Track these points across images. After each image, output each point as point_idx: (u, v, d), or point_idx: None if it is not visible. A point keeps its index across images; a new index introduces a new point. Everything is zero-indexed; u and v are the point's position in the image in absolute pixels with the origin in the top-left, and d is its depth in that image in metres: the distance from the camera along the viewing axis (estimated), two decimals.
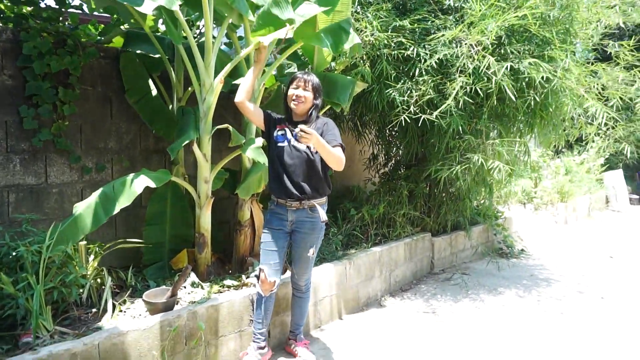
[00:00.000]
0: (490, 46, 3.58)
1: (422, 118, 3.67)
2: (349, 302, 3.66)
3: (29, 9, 3.14)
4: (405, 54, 3.75)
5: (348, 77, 3.60)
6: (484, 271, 4.97)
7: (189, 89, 3.53)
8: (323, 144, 2.39)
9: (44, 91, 2.92)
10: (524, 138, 4.38)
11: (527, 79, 3.66)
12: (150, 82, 3.45)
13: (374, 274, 3.96)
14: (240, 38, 3.81)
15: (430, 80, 3.69)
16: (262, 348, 2.69)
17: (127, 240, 3.07)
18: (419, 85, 3.74)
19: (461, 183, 4.24)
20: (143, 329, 2.28)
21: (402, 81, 3.81)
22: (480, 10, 3.61)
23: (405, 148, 4.72)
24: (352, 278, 3.69)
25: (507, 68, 3.49)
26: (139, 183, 2.51)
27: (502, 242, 5.86)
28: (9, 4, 3.19)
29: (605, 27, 4.40)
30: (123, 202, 2.44)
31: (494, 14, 3.62)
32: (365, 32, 3.77)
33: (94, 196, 2.49)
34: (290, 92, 2.60)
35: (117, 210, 2.42)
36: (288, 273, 3.08)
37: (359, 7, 4.02)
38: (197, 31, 4.33)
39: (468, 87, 3.58)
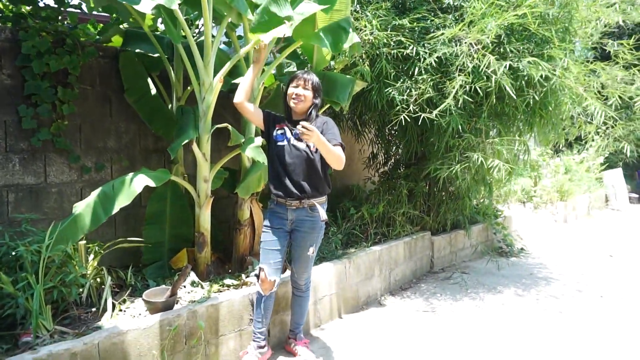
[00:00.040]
0: (490, 45, 3.58)
1: (421, 117, 3.67)
2: (348, 301, 3.66)
3: (27, 8, 3.13)
4: (405, 53, 3.74)
5: (347, 76, 3.60)
6: (484, 270, 4.97)
7: (188, 88, 3.53)
8: (324, 141, 2.39)
9: (43, 90, 2.92)
10: (523, 137, 4.38)
11: (526, 78, 3.66)
12: (150, 81, 3.44)
13: (374, 273, 3.97)
14: (239, 37, 3.81)
15: (429, 79, 3.69)
16: (262, 347, 2.69)
17: (127, 239, 3.07)
18: (419, 84, 3.74)
19: (460, 182, 4.24)
20: (143, 328, 2.28)
21: (401, 80, 3.81)
22: (481, 9, 3.61)
23: (404, 147, 4.73)
24: (351, 277, 3.69)
25: (506, 67, 3.49)
26: (138, 182, 2.51)
27: (501, 241, 5.87)
28: (7, 3, 3.19)
29: (605, 26, 4.40)
30: (122, 201, 2.43)
31: (493, 13, 3.62)
32: (365, 31, 3.76)
33: (94, 195, 2.49)
34: (290, 90, 2.60)
35: (116, 209, 2.42)
36: (288, 272, 3.08)
37: (358, 6, 4.02)
38: (196, 30, 4.32)
39: (467, 86, 3.58)
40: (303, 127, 2.28)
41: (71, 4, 3.45)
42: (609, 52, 4.36)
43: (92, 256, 2.81)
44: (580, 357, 2.90)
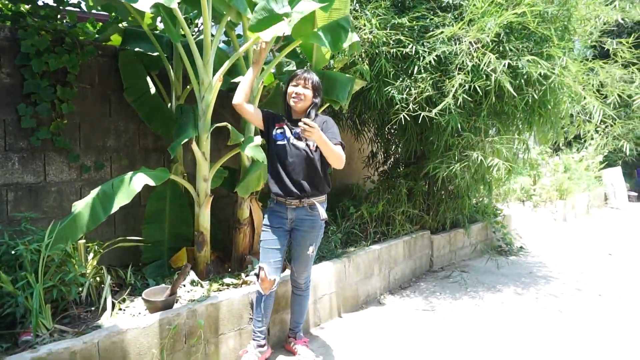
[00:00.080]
0: (490, 43, 3.57)
1: (421, 116, 3.67)
2: (348, 300, 3.67)
3: (26, 6, 3.12)
4: (404, 52, 3.74)
5: (347, 75, 3.60)
6: (483, 269, 4.98)
7: (188, 87, 3.52)
8: (325, 139, 2.39)
9: (42, 89, 2.92)
10: (522, 135, 4.38)
11: (525, 77, 3.66)
12: (149, 80, 3.44)
13: (373, 272, 3.97)
14: (239, 36, 3.80)
15: (429, 78, 3.69)
16: (262, 346, 2.69)
17: (127, 238, 3.07)
18: (418, 82, 3.74)
19: (460, 181, 4.24)
20: (142, 327, 2.28)
21: (400, 79, 3.80)
22: (481, 8, 3.61)
23: (404, 146, 4.73)
24: (351, 276, 3.69)
25: (505, 65, 3.49)
26: (138, 181, 2.51)
27: (501, 240, 5.87)
28: (6, 1, 3.18)
29: (604, 24, 4.39)
30: (122, 200, 2.43)
31: (493, 12, 3.61)
32: (364, 29, 3.76)
33: (93, 194, 2.48)
34: (290, 89, 2.60)
35: (116, 208, 2.42)
36: (287, 271, 3.08)
37: (357, 4, 4.02)
38: (196, 29, 4.32)
39: (467, 85, 3.58)
40: (305, 123, 2.28)
41: (70, 2, 3.44)
42: (608, 50, 4.35)
43: (91, 255, 2.81)
44: (579, 356, 2.90)
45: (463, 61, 3.57)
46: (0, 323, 2.21)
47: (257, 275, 2.64)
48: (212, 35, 2.98)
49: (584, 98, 3.80)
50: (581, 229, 7.66)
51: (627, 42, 4.19)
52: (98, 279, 2.74)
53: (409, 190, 4.75)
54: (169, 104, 3.54)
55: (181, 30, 3.09)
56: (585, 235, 7.15)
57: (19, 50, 2.84)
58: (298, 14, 2.68)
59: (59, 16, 3.21)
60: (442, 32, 3.66)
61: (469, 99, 3.64)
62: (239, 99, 2.64)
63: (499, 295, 4.08)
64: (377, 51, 3.79)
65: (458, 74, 3.60)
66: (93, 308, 2.57)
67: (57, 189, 3.11)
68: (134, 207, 3.25)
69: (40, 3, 3.19)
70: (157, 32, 3.84)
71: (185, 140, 2.83)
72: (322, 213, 2.61)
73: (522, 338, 3.16)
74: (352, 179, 5.58)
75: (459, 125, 3.72)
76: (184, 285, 2.86)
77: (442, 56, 3.68)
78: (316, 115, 2.64)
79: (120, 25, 3.64)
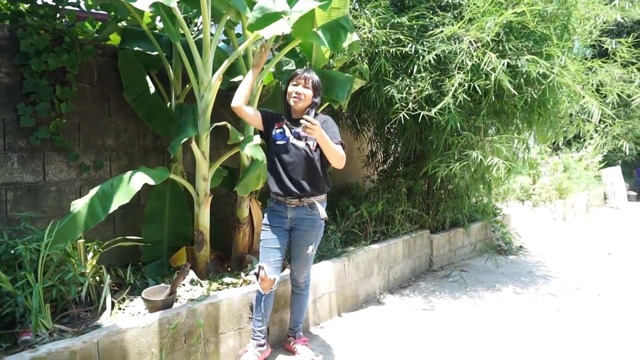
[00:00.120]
0: (490, 42, 3.57)
1: (420, 115, 3.67)
2: (347, 300, 3.67)
3: (25, 6, 3.12)
4: (404, 51, 3.74)
5: (346, 75, 3.60)
6: (483, 268, 4.98)
7: (187, 86, 3.52)
8: (326, 137, 2.39)
9: (41, 89, 2.91)
10: (522, 134, 4.39)
11: (525, 76, 3.66)
12: (148, 79, 3.44)
13: (373, 271, 3.97)
14: (238, 35, 3.80)
15: (428, 77, 3.69)
16: (262, 345, 2.69)
17: (126, 238, 3.07)
18: (417, 82, 3.74)
19: (459, 180, 4.24)
20: (142, 326, 2.28)
21: (400, 78, 3.80)
22: (482, 6, 3.60)
23: (403, 145, 4.73)
24: (351, 275, 3.69)
25: (504, 65, 3.49)
26: (137, 180, 2.51)
27: (500, 239, 5.88)
28: (5, 1, 3.18)
29: (604, 23, 4.39)
30: (121, 199, 2.43)
31: (493, 11, 3.61)
32: (364, 29, 3.76)
33: (92, 193, 2.48)
34: (290, 89, 2.59)
35: (115, 207, 2.41)
36: (287, 270, 3.08)
37: (357, 4, 4.01)
38: (195, 28, 4.31)
39: (466, 84, 3.58)
40: (306, 120, 2.28)
41: (69, 1, 3.43)
42: (607, 49, 4.35)
43: (91, 254, 2.80)
44: (578, 355, 2.90)
45: (463, 60, 3.57)
46: (0, 323, 2.21)
47: (257, 275, 2.64)
48: (212, 35, 2.97)
49: (583, 97, 3.80)
50: (580, 229, 7.67)
51: (627, 42, 4.19)
52: (97, 278, 2.74)
53: (408, 189, 4.76)
54: (169, 103, 3.54)
55: (180, 29, 3.09)
56: (585, 234, 7.16)
57: (18, 50, 2.84)
58: (297, 12, 2.68)
59: (58, 15, 3.21)
60: (441, 31, 3.66)
61: (468, 98, 3.63)
62: (238, 101, 2.63)
63: (498, 295, 4.09)
64: (376, 50, 3.79)
65: (458, 73, 3.60)
66: (92, 307, 2.57)
67: (56, 188, 3.11)
68: (133, 206, 3.25)
69: (39, 2, 3.18)
70: (157, 31, 3.83)
71: (185, 139, 2.83)
72: (322, 212, 2.61)
73: (521, 337, 3.16)
74: (352, 178, 5.58)
75: (459, 125, 3.72)
76: (184, 285, 2.86)
77: (441, 55, 3.68)
78: (316, 114, 2.64)
79: (119, 24, 3.64)
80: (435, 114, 3.60)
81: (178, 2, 2.65)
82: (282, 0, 2.67)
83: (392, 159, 5.30)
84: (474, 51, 3.58)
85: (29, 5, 3.11)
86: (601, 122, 4.30)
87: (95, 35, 3.75)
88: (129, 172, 2.57)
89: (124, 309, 2.61)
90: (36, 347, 1.98)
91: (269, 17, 2.65)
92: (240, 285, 2.97)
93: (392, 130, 4.94)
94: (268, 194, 2.73)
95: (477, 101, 3.86)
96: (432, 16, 3.85)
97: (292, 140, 2.59)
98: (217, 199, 3.27)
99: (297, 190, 2.57)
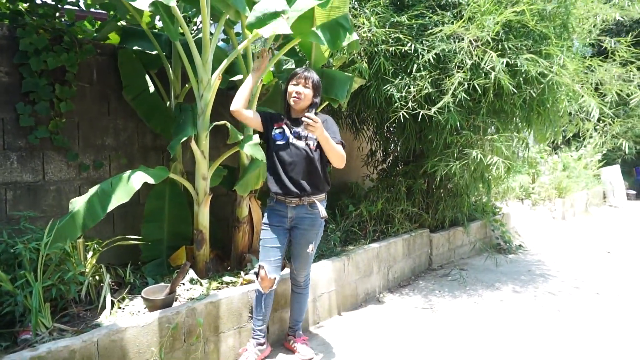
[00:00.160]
0: (491, 42, 3.57)
1: (420, 114, 3.67)
2: (347, 299, 3.67)
3: (25, 5, 3.11)
4: (403, 50, 3.74)
5: (346, 74, 3.60)
6: (482, 267, 4.99)
7: (187, 85, 3.52)
8: (327, 136, 2.39)
9: (40, 88, 2.91)
10: (522, 133, 4.39)
11: (524, 75, 3.66)
12: (148, 78, 3.43)
13: (373, 270, 3.97)
14: (237, 34, 3.80)
15: (427, 76, 3.69)
16: (262, 344, 2.69)
17: (126, 237, 3.07)
18: (417, 81, 3.74)
19: (459, 179, 4.25)
20: (142, 325, 2.28)
21: (399, 77, 3.80)
22: (483, 5, 3.60)
23: (403, 144, 4.73)
24: (350, 274, 3.70)
25: (503, 64, 3.49)
26: (136, 179, 2.51)
27: (500, 238, 5.88)
28: (4, 0, 3.17)
29: (603, 22, 4.39)
30: (121, 198, 2.42)
31: (492, 10, 3.61)
32: (363, 28, 3.76)
33: (91, 192, 2.48)
34: (290, 88, 2.59)
35: (114, 205, 2.40)
36: (287, 270, 3.08)
37: (356, 3, 4.01)
38: (195, 28, 4.30)
39: (466, 83, 3.58)
40: (308, 117, 2.27)
41: (68, 0, 3.42)
42: (605, 48, 4.35)
43: (90, 254, 2.80)
44: (576, 355, 2.91)
45: (462, 59, 3.57)
46: (0, 321, 2.21)
47: (257, 274, 2.64)
48: (211, 34, 2.97)
49: (582, 96, 3.80)
50: (580, 227, 7.68)
51: (626, 41, 4.19)
52: (97, 277, 2.74)
53: (408, 188, 4.76)
54: (168, 103, 3.53)
55: (180, 28, 3.09)
56: (584, 233, 7.16)
57: (17, 49, 2.83)
58: (296, 11, 2.67)
59: (57, 14, 3.21)
60: (440, 30, 3.66)
61: (468, 97, 3.63)
62: (237, 105, 2.60)
63: (497, 293, 4.09)
64: (376, 49, 3.79)
65: (457, 72, 3.60)
66: (92, 307, 2.57)
67: (55, 187, 3.11)
68: (133, 205, 3.25)
69: (38, 1, 3.18)
70: (156, 30, 3.83)
71: (184, 138, 2.83)
72: (322, 211, 2.61)
73: (521, 336, 3.17)
74: (351, 178, 5.58)
75: (458, 124, 3.72)
76: (183, 284, 2.86)
77: (441, 54, 3.68)
78: (316, 114, 2.63)
79: (118, 23, 3.63)
80: (434, 113, 3.60)
81: (177, 2, 2.65)
82: (282, 0, 2.66)
83: (391, 158, 5.30)
84: (474, 50, 3.58)
85: (28, 4, 3.11)
86: (600, 121, 4.31)
87: (95, 34, 3.75)
88: (129, 171, 2.57)
89: (123, 308, 2.61)
90: (36, 346, 1.98)
91: (268, 16, 2.64)
92: (240, 285, 2.97)
93: (391, 129, 4.94)
94: (268, 193, 2.73)
95: (477, 100, 3.86)
96: (431, 15, 3.85)
97: (292, 140, 2.59)
98: (216, 198, 3.27)
99: (297, 190, 2.57)
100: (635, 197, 11.65)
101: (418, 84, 3.72)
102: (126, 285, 2.91)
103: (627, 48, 4.17)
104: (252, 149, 2.84)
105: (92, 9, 3.83)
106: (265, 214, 2.71)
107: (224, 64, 2.94)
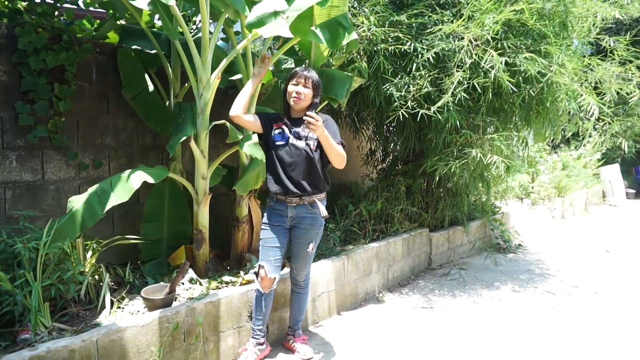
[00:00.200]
0: (491, 41, 3.57)
1: (419, 113, 3.67)
2: (347, 298, 3.67)
3: (23, 4, 3.11)
4: (403, 49, 3.74)
5: (345, 73, 3.59)
6: (482, 266, 4.99)
7: (186, 85, 3.51)
8: (328, 135, 2.39)
9: (39, 87, 2.90)
10: (521, 132, 4.39)
11: (523, 74, 3.66)
12: (147, 78, 3.43)
13: (372, 269, 3.97)
14: (237, 33, 3.79)
15: (427, 75, 3.69)
16: (261, 344, 2.69)
17: (125, 236, 3.06)
18: (416, 80, 3.73)
19: (458, 178, 4.24)
20: (141, 325, 2.28)
21: (399, 76, 3.80)
22: (484, 3, 3.59)
23: (402, 143, 4.73)
24: (350, 274, 3.70)
25: (502, 63, 3.49)
26: (136, 178, 2.50)
27: (499, 237, 5.88)
28: None
29: (602, 21, 4.38)
30: (120, 197, 2.42)
31: (492, 9, 3.61)
32: (362, 27, 3.75)
33: (90, 191, 2.47)
34: (290, 88, 2.57)
35: (113, 203, 2.40)
36: (286, 269, 3.08)
37: (355, 2, 4.01)
38: (194, 27, 4.30)
39: (465, 82, 3.58)
40: (310, 116, 2.27)
41: None
42: (603, 47, 4.34)
43: (90, 253, 2.80)
44: (575, 354, 2.91)
45: (462, 58, 3.57)
46: None
47: (257, 274, 2.63)
48: (210, 33, 2.97)
49: (581, 95, 3.80)
50: (579, 227, 7.68)
51: (625, 40, 4.19)
52: (97, 277, 2.74)
53: (407, 188, 4.76)
54: (167, 102, 3.53)
55: (179, 27, 3.08)
56: (583, 232, 7.17)
57: (16, 48, 2.83)
58: (295, 10, 2.67)
59: (56, 13, 3.20)
60: (440, 29, 3.65)
61: (467, 96, 3.63)
62: (237, 110, 2.58)
63: (497, 293, 4.09)
64: (375, 48, 3.79)
65: (457, 71, 3.60)
66: (92, 306, 2.57)
67: (55, 187, 3.10)
68: (132, 205, 3.25)
69: (37, 0, 3.17)
70: (155, 29, 3.82)
71: (184, 138, 2.82)
72: (323, 210, 2.61)
73: (520, 335, 3.17)
74: (351, 177, 5.58)
75: (458, 123, 3.72)
76: (183, 284, 2.86)
77: (440, 53, 3.68)
78: (316, 114, 2.63)
79: (117, 22, 3.63)
80: (434, 112, 3.60)
81: (176, 1, 2.64)
82: (281, 0, 2.66)
83: (391, 157, 5.30)
84: (474, 49, 3.58)
85: (27, 3, 3.10)
86: (600, 120, 4.30)
87: (94, 33, 3.74)
88: (128, 171, 2.56)
89: (123, 308, 2.60)
90: (35, 346, 1.97)
91: (268, 16, 2.64)
92: (240, 284, 2.97)
93: (391, 128, 4.94)
94: (267, 192, 2.73)
95: (476, 99, 3.86)
96: (430, 14, 3.84)
97: (292, 140, 2.58)
98: (216, 197, 3.27)
99: (297, 190, 2.56)
100: (635, 196, 11.66)
101: (417, 83, 3.71)
102: (126, 285, 2.91)
103: (625, 47, 4.16)
104: (251, 149, 2.83)
105: (91, 8, 3.82)
106: (265, 214, 2.71)
107: (224, 63, 2.93)
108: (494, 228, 5.87)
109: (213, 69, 2.96)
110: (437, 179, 4.26)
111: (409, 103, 3.71)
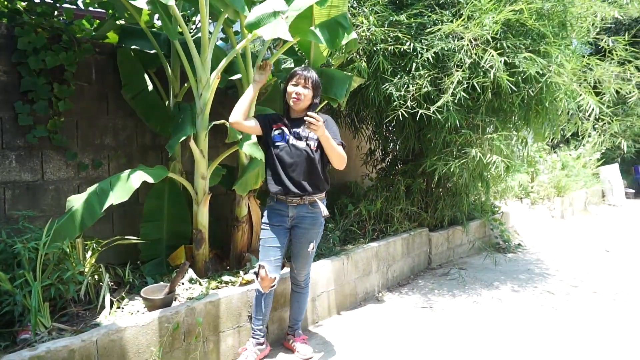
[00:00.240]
0: (490, 40, 3.57)
1: (419, 113, 3.67)
2: (346, 298, 3.67)
3: (23, 4, 3.10)
4: (402, 49, 3.74)
5: (345, 73, 3.59)
6: (481, 266, 4.99)
7: (185, 85, 3.51)
8: (328, 136, 2.39)
9: (39, 87, 2.90)
10: (520, 132, 4.39)
11: (522, 74, 3.66)
12: (147, 77, 3.43)
13: (372, 269, 3.98)
14: (236, 33, 3.79)
15: (426, 75, 3.69)
16: (261, 344, 2.69)
17: (125, 236, 3.06)
18: (416, 79, 3.73)
19: (458, 178, 4.25)
20: (141, 325, 2.28)
21: (398, 76, 3.80)
22: (484, 3, 3.59)
23: (402, 143, 4.73)
24: (349, 273, 3.70)
25: (502, 62, 3.49)
26: (136, 178, 2.51)
27: (499, 237, 5.89)
28: None
29: (602, 20, 4.38)
30: (120, 196, 2.42)
31: (492, 9, 3.61)
32: (362, 27, 3.75)
33: (90, 191, 2.48)
34: (290, 89, 2.56)
35: (111, 202, 2.40)
36: (286, 269, 3.08)
37: (355, 1, 4.01)
38: (193, 27, 4.30)
39: (465, 82, 3.58)
40: (311, 116, 2.27)
41: None
42: (602, 47, 4.34)
43: (89, 253, 2.80)
44: (574, 354, 2.91)
45: (461, 58, 3.57)
46: None
47: (257, 274, 2.63)
48: (210, 33, 2.97)
49: (580, 95, 3.81)
50: (579, 226, 7.69)
51: (624, 40, 4.19)
52: (96, 277, 2.74)
53: (407, 187, 4.76)
54: (167, 102, 3.53)
55: (178, 27, 3.08)
56: (583, 232, 7.17)
57: (15, 48, 2.83)
58: (295, 11, 2.67)
59: (55, 13, 3.20)
60: (440, 29, 3.66)
61: (467, 96, 3.64)
62: (237, 117, 2.54)
63: (496, 292, 4.09)
64: (375, 48, 3.79)
65: (456, 71, 3.60)
66: (91, 306, 2.57)
67: (54, 187, 3.10)
68: (132, 205, 3.25)
69: (36, 0, 3.17)
70: (155, 29, 3.82)
71: (183, 138, 2.83)
72: (324, 210, 2.61)
73: (519, 335, 3.17)
74: (351, 177, 5.58)
75: (457, 123, 3.72)
76: (183, 283, 2.86)
77: (440, 53, 3.68)
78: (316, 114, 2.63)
79: (117, 22, 3.63)
80: (433, 112, 3.60)
81: (176, 0, 2.64)
82: (280, 0, 2.66)
83: (390, 157, 5.30)
84: (473, 49, 3.58)
85: (26, 3, 3.10)
86: (599, 120, 4.30)
87: (93, 33, 3.74)
88: (128, 171, 2.57)
89: (122, 308, 2.60)
90: (35, 346, 1.97)
91: (267, 17, 2.64)
92: (239, 284, 2.97)
93: (390, 128, 4.94)
94: (267, 192, 2.73)
95: (476, 99, 3.86)
96: (430, 14, 3.84)
97: (292, 140, 2.58)
98: (215, 197, 3.27)
99: (298, 191, 2.56)
100: (634, 195, 11.67)
101: (417, 83, 3.71)
102: (125, 285, 2.91)
103: (624, 47, 4.16)
104: (251, 148, 2.84)
105: (90, 8, 3.82)
106: (265, 214, 2.71)
107: (223, 63, 2.94)
108: (494, 228, 5.87)
109: (212, 68, 2.96)
110: (437, 178, 4.26)
111: (409, 103, 3.71)
